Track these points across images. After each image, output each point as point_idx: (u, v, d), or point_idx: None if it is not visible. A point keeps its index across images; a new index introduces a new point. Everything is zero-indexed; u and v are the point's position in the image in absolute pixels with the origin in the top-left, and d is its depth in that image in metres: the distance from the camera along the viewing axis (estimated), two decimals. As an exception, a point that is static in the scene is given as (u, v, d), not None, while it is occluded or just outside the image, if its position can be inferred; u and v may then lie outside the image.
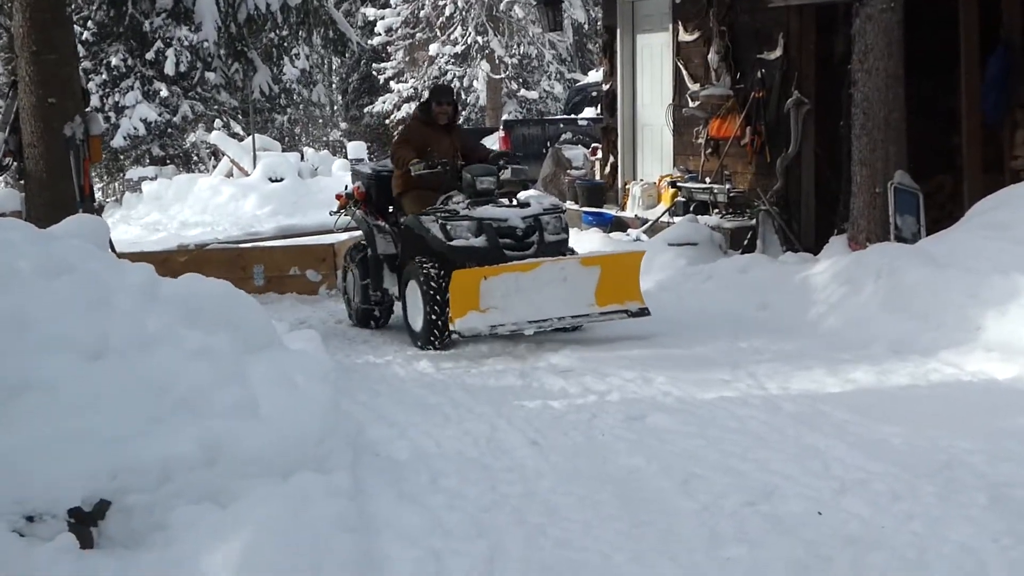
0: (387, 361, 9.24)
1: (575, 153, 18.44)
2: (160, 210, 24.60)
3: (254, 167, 25.38)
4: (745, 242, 12.75)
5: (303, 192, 24.31)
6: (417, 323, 9.44)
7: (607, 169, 16.00)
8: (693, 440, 6.40)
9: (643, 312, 9.24)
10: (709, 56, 13.81)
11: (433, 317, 9.12)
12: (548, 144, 20.79)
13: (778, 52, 13.00)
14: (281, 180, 24.62)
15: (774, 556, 4.70)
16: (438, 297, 9.06)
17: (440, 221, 9.28)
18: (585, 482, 5.80)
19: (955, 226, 9.93)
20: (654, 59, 15.25)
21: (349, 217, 11.14)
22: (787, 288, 10.13)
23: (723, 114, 13.66)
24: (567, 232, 9.82)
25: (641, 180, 15.23)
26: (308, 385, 5.33)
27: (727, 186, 13.43)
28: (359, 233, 11.93)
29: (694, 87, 14.15)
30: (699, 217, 13.29)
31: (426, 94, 14.63)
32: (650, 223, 13.96)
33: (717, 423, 6.70)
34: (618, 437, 6.59)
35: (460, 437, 6.75)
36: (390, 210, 10.52)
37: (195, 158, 30.99)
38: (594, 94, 24.38)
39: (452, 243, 9.22)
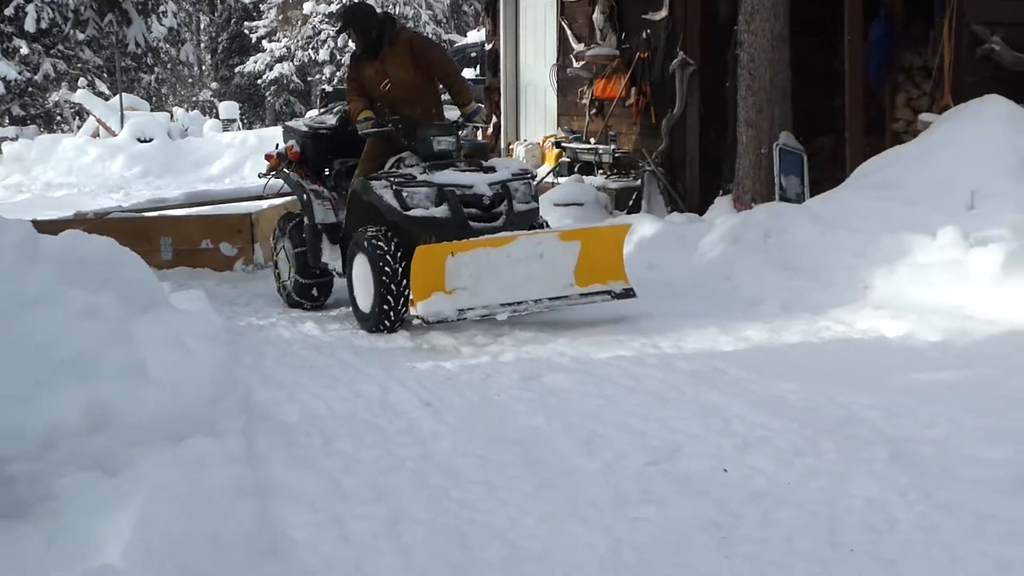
0: (271, 323, 9.02)
1: (455, 114, 18.26)
2: (22, 171, 23.90)
3: (121, 127, 24.77)
4: (630, 203, 12.79)
5: (173, 153, 23.86)
6: (366, 304, 8.26)
7: (490, 129, 15.88)
8: (592, 400, 6.34)
9: (628, 293, 8.17)
10: (594, 16, 13.76)
11: (387, 297, 8.00)
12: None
13: (663, 13, 13.01)
14: (150, 141, 24.10)
15: (684, 515, 4.65)
16: (392, 275, 7.95)
17: (395, 187, 8.06)
18: (484, 443, 5.70)
19: (841, 186, 10.05)
20: (538, 18, 15.15)
21: (282, 181, 9.91)
22: (675, 248, 10.14)
23: (608, 74, 13.65)
24: (537, 200, 8.74)
25: (525, 140, 15.17)
26: (198, 346, 5.13)
27: (612, 147, 13.45)
28: (286, 200, 11.20)
29: (579, 47, 14.09)
30: (584, 178, 13.28)
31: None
32: (536, 181, 13.88)
33: (614, 382, 6.64)
34: (515, 397, 6.50)
35: (351, 399, 6.60)
36: (328, 172, 9.38)
37: (58, 118, 30.16)
38: (473, 55, 24.27)
39: (409, 213, 8.00)
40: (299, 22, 35.91)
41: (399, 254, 7.95)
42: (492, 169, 8.53)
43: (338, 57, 35.72)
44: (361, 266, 8.24)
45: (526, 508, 4.80)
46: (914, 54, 12.03)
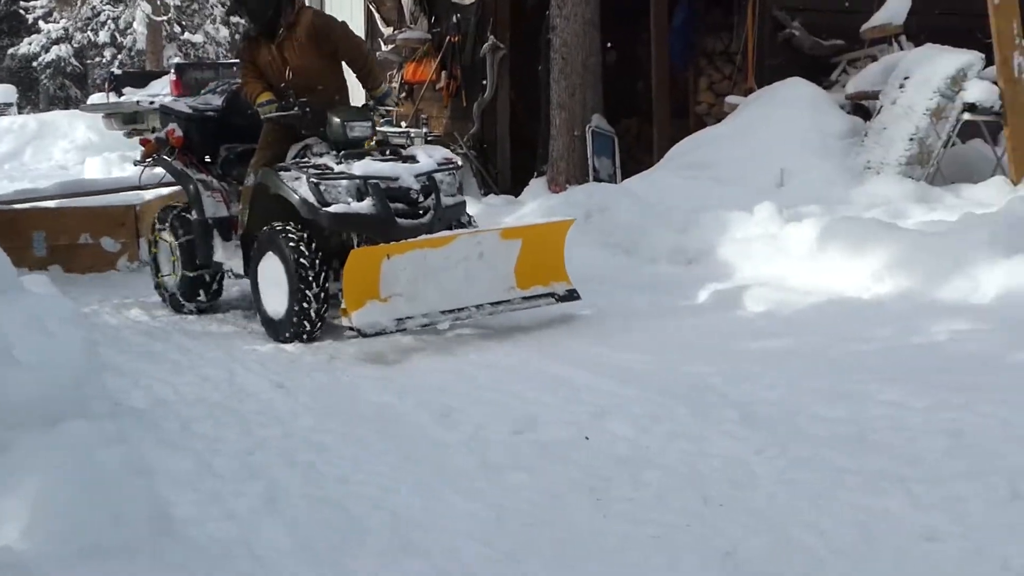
0: (93, 310, 8.80)
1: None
2: None
3: None
4: (444, 184, 12.89)
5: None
6: (278, 309, 7.32)
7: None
8: (440, 375, 6.44)
9: (572, 295, 7.41)
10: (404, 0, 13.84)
11: (304, 304, 7.14)
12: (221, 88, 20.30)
13: (474, -4, 13.20)
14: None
15: (555, 480, 4.80)
16: (310, 278, 7.09)
17: (311, 179, 7.15)
18: (343, 420, 5.76)
19: (656, 167, 10.42)
20: (344, 2, 15.09)
21: (163, 169, 8.86)
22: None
23: (418, 58, 13.78)
24: (462, 193, 8.00)
25: (333, 125, 15.07)
26: (59, 329, 5.01)
27: (423, 130, 13.54)
28: (173, 190, 10.11)
29: (388, 31, 14.16)
30: (399, 161, 13.31)
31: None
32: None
33: (460, 357, 6.78)
34: (362, 376, 6.58)
35: (199, 383, 6.58)
36: (213, 159, 8.44)
37: None
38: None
39: (329, 209, 7.10)
40: (78, 2, 34.66)
41: (317, 255, 7.17)
42: (413, 158, 7.60)
43: (119, 39, 34.73)
44: (271, 268, 7.34)
45: (399, 479, 4.87)
46: (715, 39, 12.55)
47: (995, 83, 9.41)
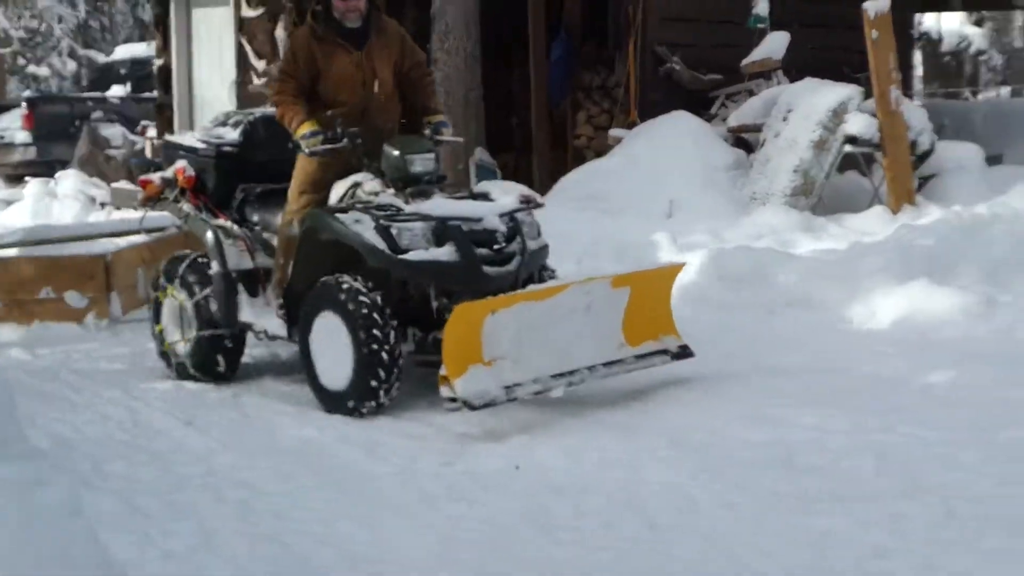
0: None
1: (113, 132, 17.78)
2: None
3: None
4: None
5: None
6: (339, 377, 6.03)
7: (165, 146, 15.52)
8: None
9: (685, 352, 6.32)
10: (277, 32, 13.77)
11: (375, 370, 5.86)
12: (78, 123, 19.85)
13: (350, 29, 13.15)
14: None
15: (497, 510, 4.82)
16: (382, 340, 5.84)
17: (380, 222, 5.87)
18: (265, 456, 5.68)
19: (546, 199, 10.48)
20: (212, 34, 15.00)
21: (169, 214, 7.41)
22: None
23: (293, 91, 13.64)
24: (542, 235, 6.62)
25: (205, 158, 14.89)
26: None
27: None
28: (148, 238, 8.92)
29: (260, 64, 14.04)
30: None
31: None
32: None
33: None
34: (275, 412, 6.47)
35: (101, 422, 6.39)
36: (231, 201, 6.95)
37: None
38: (122, 71, 23.62)
39: (407, 256, 5.84)
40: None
41: (387, 312, 5.92)
42: (486, 196, 6.47)
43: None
44: (329, 329, 6.04)
45: (338, 513, 4.85)
46: (592, 74, 12.74)
47: (874, 115, 9.77)
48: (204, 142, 7.02)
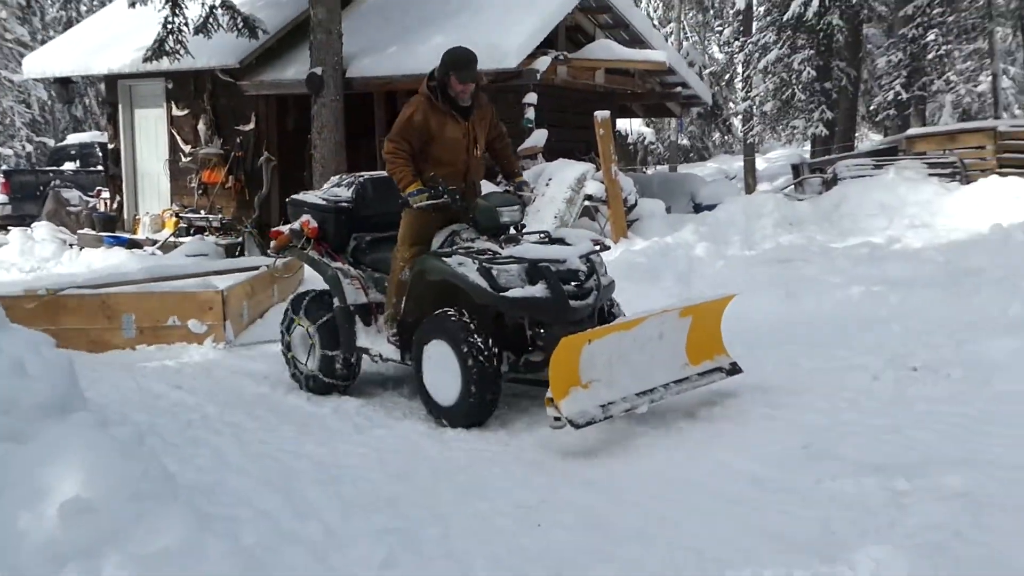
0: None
1: (71, 194, 17.02)
2: None
3: None
4: (236, 253, 12.67)
5: None
6: (448, 395, 5.12)
7: (115, 205, 14.94)
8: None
9: (735, 369, 5.32)
10: (199, 126, 13.49)
11: (479, 389, 4.99)
12: (42, 188, 18.92)
13: (252, 125, 13.07)
14: None
15: (407, 430, 5.04)
16: (487, 364, 5.01)
17: (483, 264, 5.08)
18: (238, 406, 5.66)
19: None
20: (150, 126, 14.46)
21: (295, 259, 6.61)
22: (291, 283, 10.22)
23: (212, 166, 13.42)
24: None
25: (147, 212, 14.42)
26: (49, 352, 4.79)
27: (219, 216, 13.24)
28: (252, 275, 7.90)
29: (187, 148, 13.73)
30: (203, 237, 12.94)
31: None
32: (161, 242, 13.34)
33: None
34: (239, 377, 6.42)
35: (115, 390, 6.16)
36: (346, 248, 6.07)
37: None
38: (72, 152, 22.53)
39: (508, 294, 4.99)
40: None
41: (488, 341, 5.07)
42: (563, 241, 5.60)
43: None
44: (439, 354, 5.18)
45: (302, 439, 4.94)
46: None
47: (602, 182, 10.32)
48: (325, 200, 6.18)
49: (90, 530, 3.21)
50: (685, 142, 29.73)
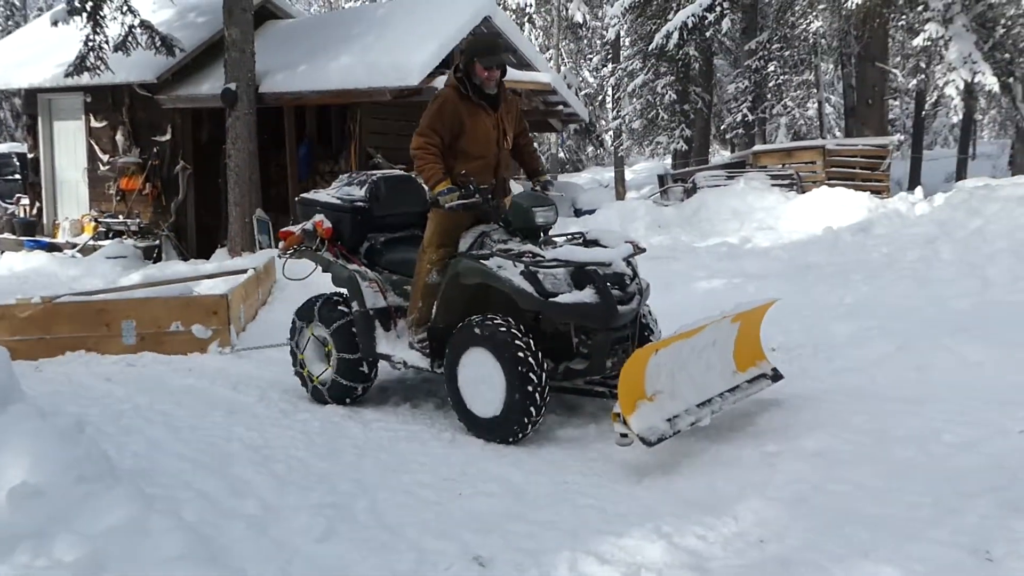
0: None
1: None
2: None
3: None
4: (154, 255, 12.14)
5: None
6: (489, 408, 4.29)
7: (34, 211, 14.08)
8: (223, 362, 6.20)
9: (777, 375, 4.59)
10: (117, 137, 12.85)
11: (525, 401, 4.15)
12: (-37, 196, 17.66)
13: (168, 136, 12.53)
14: None
15: (329, 413, 4.92)
16: (531, 373, 4.16)
17: (527, 268, 4.26)
18: (166, 396, 5.43)
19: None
20: (69, 137, 13.70)
21: (308, 260, 5.50)
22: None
23: (129, 174, 12.81)
24: None
25: (67, 218, 13.65)
26: (-17, 348, 4.51)
27: (137, 220, 12.65)
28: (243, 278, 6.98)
29: (105, 157, 13.06)
30: (122, 240, 12.34)
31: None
32: (80, 246, 12.66)
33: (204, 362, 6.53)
34: (164, 369, 6.17)
35: (54, 384, 5.87)
36: (359, 249, 5.25)
37: None
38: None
39: (557, 299, 4.19)
40: None
41: (536, 350, 4.23)
42: (597, 243, 4.61)
43: None
44: (478, 363, 4.34)
45: (231, 424, 4.77)
46: (325, 163, 12.69)
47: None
48: (339, 199, 5.34)
49: (39, 513, 3.04)
50: (563, 155, 30.13)
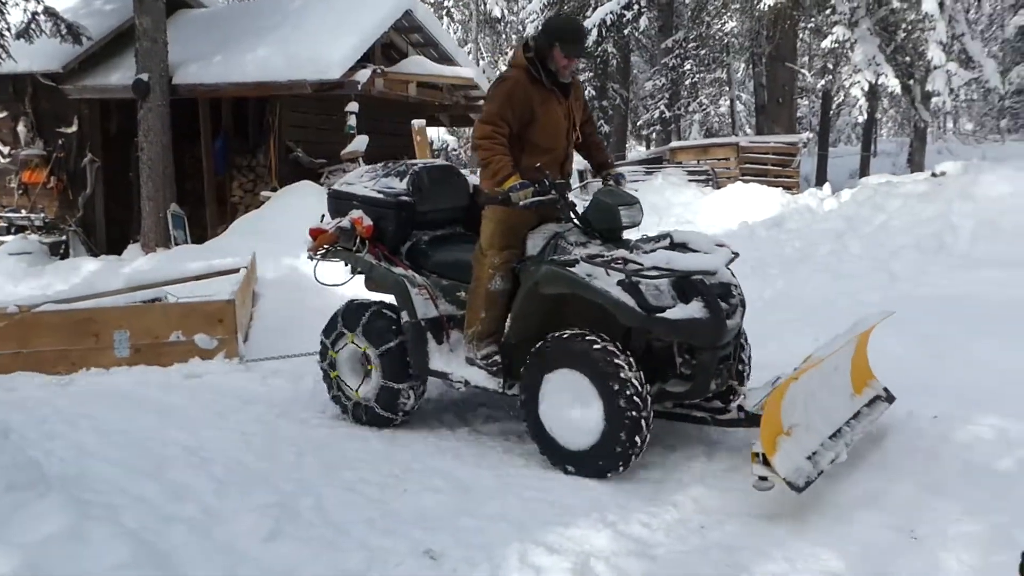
0: None
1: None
2: None
3: None
4: (61, 251, 11.66)
5: None
6: (581, 437, 3.69)
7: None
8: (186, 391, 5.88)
9: (890, 396, 4.06)
10: (19, 128, 12.28)
11: (630, 431, 3.57)
12: None
13: (75, 127, 12.05)
14: None
15: (260, 412, 4.85)
16: (637, 399, 3.57)
17: (629, 277, 3.64)
18: (93, 400, 5.24)
19: (227, 232, 10.18)
20: (-35, 127, 13.00)
21: (343, 262, 4.77)
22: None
23: (33, 167, 12.26)
24: None
25: (-38, 213, 12.95)
26: None
27: (41, 215, 12.11)
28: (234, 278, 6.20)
29: (6, 150, 12.46)
30: (28, 236, 11.79)
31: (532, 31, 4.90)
32: (-22, 242, 12.05)
33: (194, 384, 5.89)
34: (164, 386, 5.89)
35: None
36: (398, 249, 4.57)
37: None
38: None
39: (666, 315, 3.58)
40: None
41: (640, 372, 3.64)
42: (685, 246, 4.00)
43: None
44: (568, 386, 3.71)
45: (166, 427, 4.62)
46: (242, 157, 12.43)
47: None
48: (381, 192, 4.63)
49: (-29, 524, 2.92)
50: (480, 150, 30.12)
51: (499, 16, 24.96)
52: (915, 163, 14.83)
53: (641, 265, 3.64)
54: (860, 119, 14.33)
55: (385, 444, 4.26)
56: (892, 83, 12.66)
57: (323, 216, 4.79)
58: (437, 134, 26.05)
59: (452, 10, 24.86)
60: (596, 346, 3.62)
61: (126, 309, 6.02)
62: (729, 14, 15.84)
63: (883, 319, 4.01)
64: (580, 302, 3.80)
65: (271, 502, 3.47)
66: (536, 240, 4.00)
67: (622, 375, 3.56)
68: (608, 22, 15.86)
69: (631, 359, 3.62)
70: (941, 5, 11.78)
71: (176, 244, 10.88)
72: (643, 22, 16.19)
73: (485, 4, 24.29)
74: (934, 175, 9.93)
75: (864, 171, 18.52)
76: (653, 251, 3.83)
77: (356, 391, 4.58)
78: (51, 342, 5.79)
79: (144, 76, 10.60)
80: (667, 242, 3.99)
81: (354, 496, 3.57)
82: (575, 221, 3.98)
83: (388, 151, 11.69)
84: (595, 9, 16.65)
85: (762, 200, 11.35)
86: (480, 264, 4.08)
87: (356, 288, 4.98)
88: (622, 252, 3.75)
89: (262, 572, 2.90)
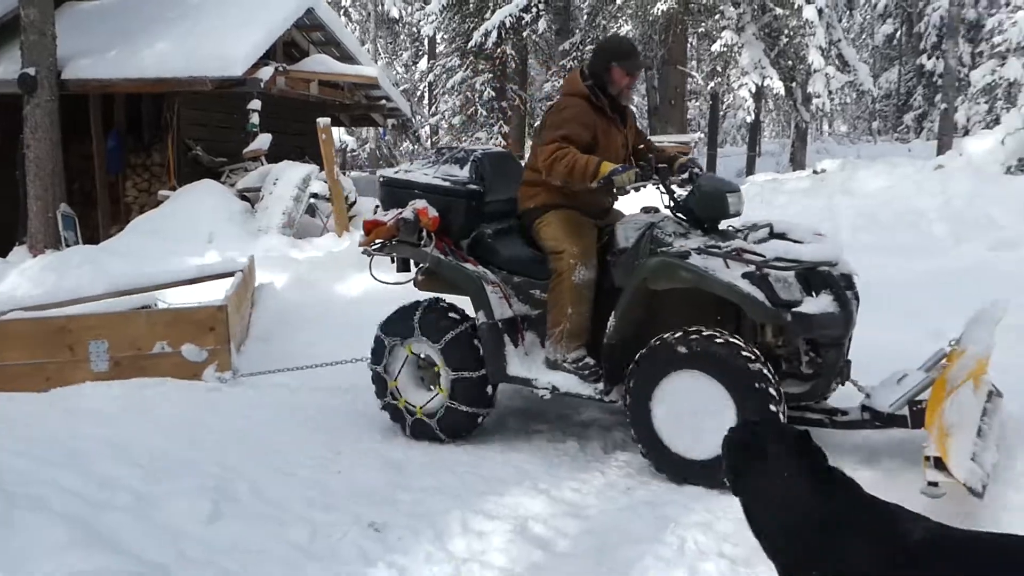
0: None
1: None
2: None
3: None
4: (-61, 255, 11.03)
5: None
6: (703, 447, 3.30)
7: None
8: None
9: (998, 391, 3.85)
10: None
11: None
12: None
13: (-48, 124, 11.40)
14: None
15: (253, 404, 4.82)
16: (773, 405, 3.19)
17: (759, 269, 3.32)
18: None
19: (122, 234, 9.87)
20: None
21: (400, 257, 4.31)
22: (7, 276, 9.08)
23: (-96, 166, 11.53)
24: None
25: None
26: None
27: None
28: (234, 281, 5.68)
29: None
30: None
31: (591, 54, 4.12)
32: None
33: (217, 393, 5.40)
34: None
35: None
36: (465, 244, 4.13)
37: None
38: None
39: (801, 310, 3.29)
40: None
41: (774, 373, 3.29)
42: (784, 236, 3.63)
43: None
44: (692, 392, 3.34)
45: (141, 434, 4.50)
46: (136, 156, 12.11)
47: (325, 181, 10.26)
48: (446, 180, 4.19)
49: None
50: (379, 151, 29.98)
51: (396, 17, 24.93)
52: (797, 162, 15.69)
53: (763, 257, 3.33)
54: (748, 119, 15.06)
55: (309, 432, 4.26)
56: (777, 85, 13.37)
57: (376, 207, 4.35)
58: (337, 134, 25.83)
59: (350, 10, 24.67)
60: (723, 346, 3.26)
61: (104, 317, 5.41)
62: (624, 18, 16.36)
63: (1004, 311, 3.58)
64: (679, 298, 3.52)
65: (208, 486, 3.48)
66: (627, 231, 3.70)
67: (757, 379, 3.19)
68: (507, 24, 16.13)
69: (767, 361, 3.26)
70: (820, 12, 12.54)
71: (67, 245, 10.48)
72: (541, 25, 16.54)
73: (383, 4, 24.22)
74: (816, 172, 10.58)
75: (751, 170, 19.41)
76: (763, 241, 3.50)
77: (427, 402, 4.07)
78: (21, 353, 5.18)
79: (31, 70, 10.17)
80: (767, 231, 3.65)
81: (288, 479, 3.61)
82: (672, 211, 3.72)
83: (288, 150, 11.61)
84: (494, 11, 16.90)
85: (657, 198, 11.77)
86: (559, 259, 3.75)
87: (355, 288, 4.84)
88: (738, 242, 3.45)
89: (207, 548, 2.93)
